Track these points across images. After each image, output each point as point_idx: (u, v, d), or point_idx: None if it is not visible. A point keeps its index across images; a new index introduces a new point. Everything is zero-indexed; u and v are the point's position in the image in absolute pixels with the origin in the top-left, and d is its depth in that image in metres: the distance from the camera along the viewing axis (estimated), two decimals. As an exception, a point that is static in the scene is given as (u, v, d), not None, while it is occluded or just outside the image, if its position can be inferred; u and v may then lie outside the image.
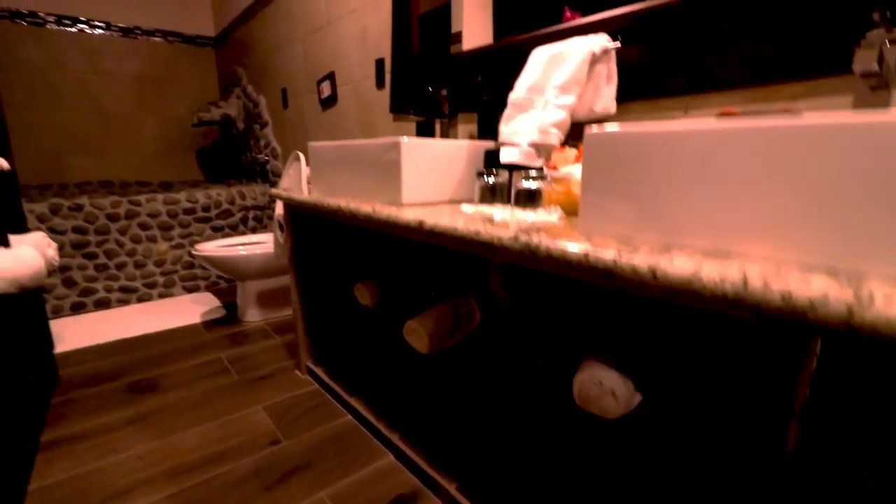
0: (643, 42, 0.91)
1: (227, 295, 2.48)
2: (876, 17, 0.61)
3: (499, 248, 0.63)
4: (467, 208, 0.87)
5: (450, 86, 1.36)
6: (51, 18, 2.87)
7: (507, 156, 0.95)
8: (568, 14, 1.06)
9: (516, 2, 1.23)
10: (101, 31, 3.03)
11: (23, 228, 1.47)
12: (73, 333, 1.98)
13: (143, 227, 2.35)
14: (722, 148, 0.45)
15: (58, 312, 2.21)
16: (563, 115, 0.93)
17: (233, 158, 3.38)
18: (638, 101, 0.95)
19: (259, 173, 2.93)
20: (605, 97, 0.95)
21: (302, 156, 2.17)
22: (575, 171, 0.81)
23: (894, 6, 0.62)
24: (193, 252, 1.94)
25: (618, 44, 0.92)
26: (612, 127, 0.57)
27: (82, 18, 2.96)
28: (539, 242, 0.57)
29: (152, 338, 1.94)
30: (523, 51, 1.05)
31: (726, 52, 0.80)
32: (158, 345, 1.86)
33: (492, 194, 0.94)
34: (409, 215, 0.83)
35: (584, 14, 1.00)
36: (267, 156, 2.80)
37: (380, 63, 1.71)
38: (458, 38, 1.28)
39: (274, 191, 1.41)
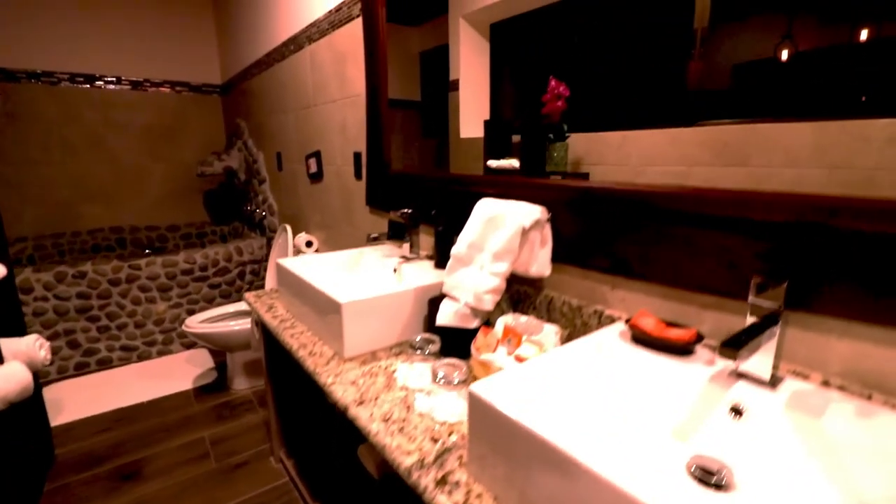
0: (577, 216, 0.93)
1: (220, 353, 2.58)
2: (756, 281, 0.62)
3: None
4: (400, 375, 0.91)
5: (413, 205, 1.40)
6: (65, 76, 3.02)
7: (443, 317, 0.98)
8: (553, 83, 1.00)
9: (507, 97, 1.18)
10: (112, 85, 3.17)
11: (21, 330, 1.57)
12: (72, 401, 2.09)
13: (143, 289, 2.46)
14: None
15: (63, 373, 2.34)
16: (496, 283, 0.96)
17: (237, 203, 3.49)
18: (573, 265, 0.97)
19: (258, 225, 3.03)
20: (540, 260, 0.97)
21: (289, 228, 2.24)
22: (497, 358, 0.84)
23: (779, 262, 0.63)
24: (183, 328, 2.02)
25: (548, 217, 0.95)
26: (499, 395, 0.60)
27: (95, 75, 3.10)
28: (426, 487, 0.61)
29: (145, 408, 2.03)
30: (469, 192, 1.09)
31: (647, 257, 0.82)
32: (150, 417, 1.95)
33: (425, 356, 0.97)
34: (338, 393, 0.87)
35: (569, 85, 0.97)
36: (264, 211, 2.89)
37: (357, 156, 1.76)
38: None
39: (248, 295, 1.48)
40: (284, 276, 1.33)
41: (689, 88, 0.78)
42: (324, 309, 1.06)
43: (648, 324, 0.75)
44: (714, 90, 0.75)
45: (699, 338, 0.73)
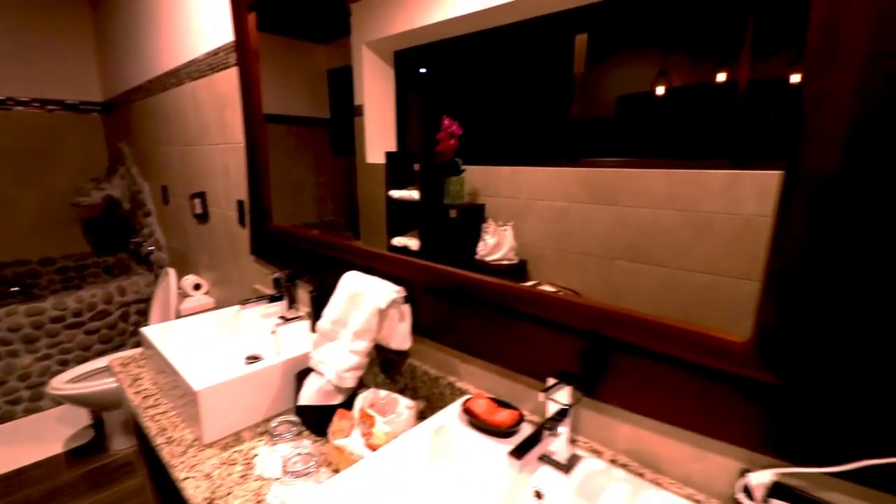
0: (431, 294, 1.00)
1: (102, 404, 2.36)
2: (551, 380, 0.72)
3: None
4: (260, 461, 0.92)
5: (293, 262, 1.40)
6: None
7: (305, 397, 1.00)
8: (446, 122, 1.01)
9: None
10: (-37, 104, 2.79)
11: None
12: None
13: (3, 342, 2.19)
14: None
15: None
16: (356, 360, 0.99)
17: (122, 233, 3.22)
18: (430, 339, 1.04)
19: (145, 259, 2.82)
20: (399, 335, 1.03)
21: (173, 273, 2.12)
22: (350, 443, 0.87)
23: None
24: (48, 391, 1.84)
25: (404, 296, 1.00)
26: None
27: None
28: None
29: (5, 482, 1.81)
30: (341, 260, 1.12)
31: (484, 339, 0.90)
32: (11, 491, 1.74)
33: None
34: (189, 490, 0.85)
35: (462, 124, 0.99)
36: (151, 245, 2.69)
37: (240, 204, 1.71)
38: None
39: (114, 362, 1.38)
40: (148, 346, 1.27)
41: (571, 127, 0.85)
42: (184, 391, 1.03)
43: (480, 406, 0.83)
44: (599, 119, 0.83)
45: (521, 419, 0.81)
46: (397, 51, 1.14)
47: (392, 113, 1.18)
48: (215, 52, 1.70)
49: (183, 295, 2.09)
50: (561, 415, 0.70)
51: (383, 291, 0.99)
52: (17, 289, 3.02)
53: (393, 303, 0.99)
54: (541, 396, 0.72)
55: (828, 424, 0.51)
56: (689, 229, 0.68)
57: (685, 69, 0.71)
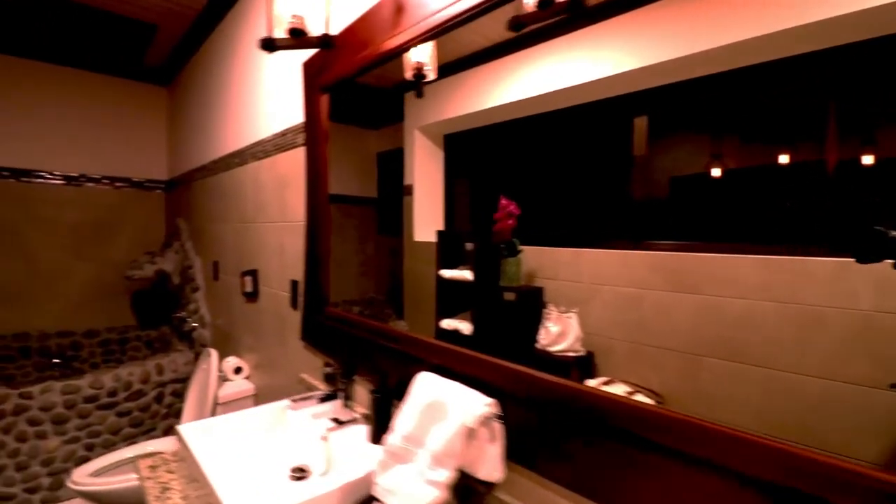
0: (529, 410, 0.81)
1: (123, 497, 2.15)
2: None
3: None
4: None
5: (349, 351, 1.25)
6: (-11, 171, 2.79)
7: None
8: (504, 202, 0.97)
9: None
10: (42, 180, 2.95)
11: None
12: None
13: (33, 422, 2.07)
14: None
15: None
16: (436, 496, 0.79)
17: (167, 307, 3.19)
18: (523, 467, 0.83)
19: (187, 336, 2.73)
20: (490, 460, 0.82)
21: (215, 355, 2.00)
22: None
23: None
24: (69, 485, 1.67)
25: (497, 412, 0.81)
26: None
27: (25, 169, 2.88)
28: None
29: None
30: (410, 356, 0.95)
31: (616, 483, 0.69)
32: None
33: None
34: None
35: (521, 198, 0.95)
36: (195, 322, 2.62)
37: (294, 284, 1.61)
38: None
39: (142, 465, 1.21)
40: (183, 448, 1.10)
41: (632, 208, 0.82)
42: (221, 521, 0.84)
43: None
44: (660, 199, 0.79)
45: None
46: (447, 134, 1.17)
47: (441, 193, 1.17)
48: (283, 133, 1.70)
49: (223, 378, 1.94)
50: None
51: (471, 404, 0.80)
52: (58, 360, 2.97)
53: (483, 419, 0.80)
54: None
55: None
56: (793, 324, 0.59)
57: (747, 151, 0.68)
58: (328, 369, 1.22)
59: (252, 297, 1.96)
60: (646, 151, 0.79)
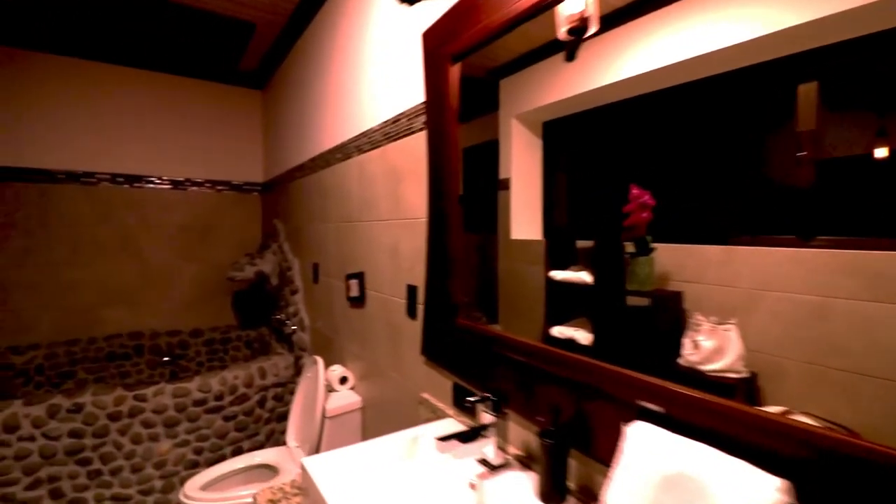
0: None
1: None
2: None
3: None
4: None
5: (486, 380, 1.01)
6: (105, 177, 2.94)
7: None
8: (635, 191, 0.80)
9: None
10: (151, 185, 3.07)
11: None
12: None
13: (147, 424, 2.08)
14: None
15: (37, 532, 1.91)
16: None
17: (266, 308, 3.21)
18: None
19: (286, 338, 2.68)
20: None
21: (320, 361, 1.87)
22: None
23: None
24: (181, 499, 1.60)
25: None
26: None
27: (137, 175, 3.01)
28: None
29: None
30: (604, 394, 0.68)
31: None
32: None
33: None
34: None
35: (654, 195, 0.79)
36: (294, 325, 2.55)
37: (412, 291, 1.41)
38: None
39: (261, 498, 1.06)
40: (307, 482, 0.92)
41: (798, 192, 0.65)
42: None
43: None
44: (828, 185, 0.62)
45: None
46: (547, 121, 1.04)
47: (539, 186, 1.06)
48: (394, 120, 1.51)
49: (328, 388, 1.81)
50: None
51: (753, 489, 0.52)
52: (167, 359, 3.08)
53: (774, 514, 0.52)
54: None
55: None
56: None
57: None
58: (473, 399, 0.98)
59: (358, 302, 1.80)
60: (815, 125, 0.63)
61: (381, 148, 1.60)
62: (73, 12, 2.35)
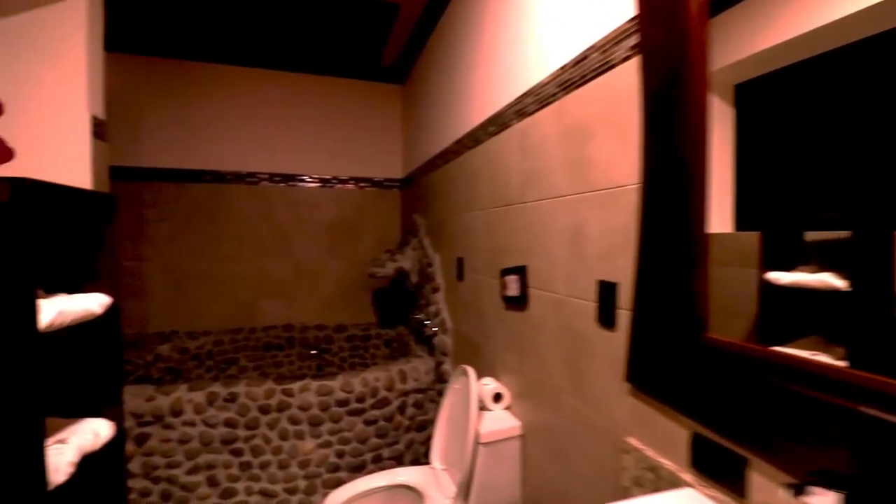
0: None
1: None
2: None
3: None
4: None
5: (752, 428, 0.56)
6: (265, 176, 3.09)
7: None
8: None
9: None
10: (303, 183, 3.16)
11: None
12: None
13: (293, 420, 2.01)
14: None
15: (197, 516, 1.95)
16: None
17: (406, 307, 3.08)
18: None
19: (426, 340, 2.48)
20: None
21: (472, 372, 1.56)
22: None
23: None
24: (320, 516, 1.43)
25: None
26: None
27: (291, 174, 3.12)
28: None
29: None
30: None
31: None
32: None
33: None
34: None
35: None
36: (435, 327, 2.32)
37: (608, 289, 1.01)
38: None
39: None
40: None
41: None
42: None
43: None
44: None
45: None
46: (739, 83, 0.75)
47: (730, 166, 0.77)
48: (576, 62, 1.13)
49: (480, 407, 1.49)
50: None
51: None
52: (314, 352, 3.12)
53: None
54: None
55: None
56: None
57: None
58: (795, 481, 0.55)
59: (517, 303, 1.46)
60: None
61: (554, 104, 1.24)
62: (232, 21, 2.46)
